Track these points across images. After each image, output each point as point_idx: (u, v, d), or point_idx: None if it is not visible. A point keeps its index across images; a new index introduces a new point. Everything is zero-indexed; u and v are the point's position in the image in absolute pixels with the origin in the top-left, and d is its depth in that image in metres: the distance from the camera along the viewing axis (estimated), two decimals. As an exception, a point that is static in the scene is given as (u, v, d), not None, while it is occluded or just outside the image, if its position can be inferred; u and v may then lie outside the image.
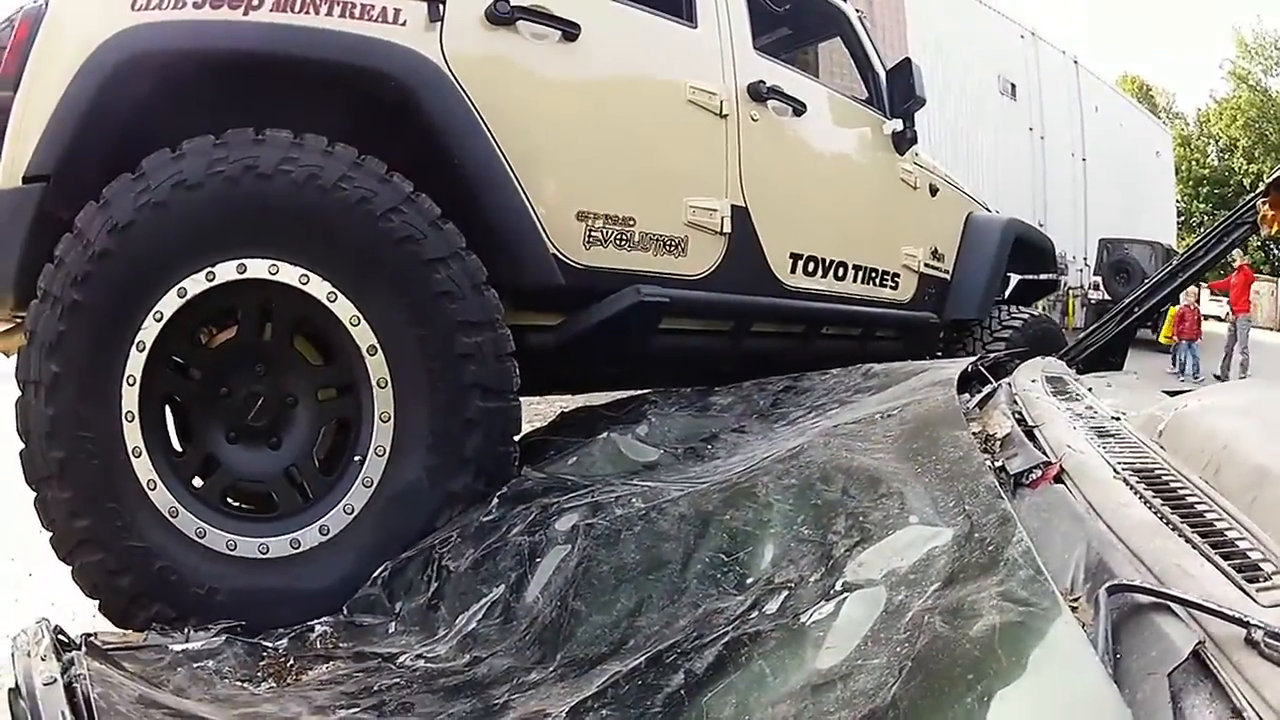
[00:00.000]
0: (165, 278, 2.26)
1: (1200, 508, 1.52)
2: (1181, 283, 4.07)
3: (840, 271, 4.03)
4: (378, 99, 2.58)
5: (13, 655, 1.49)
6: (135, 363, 2.26)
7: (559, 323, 3.04)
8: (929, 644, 1.23)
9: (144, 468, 2.26)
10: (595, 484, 2.38)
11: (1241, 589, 1.20)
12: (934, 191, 4.81)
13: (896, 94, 4.39)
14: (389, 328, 2.38)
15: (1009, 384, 2.62)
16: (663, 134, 3.28)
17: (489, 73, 2.75)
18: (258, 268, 2.31)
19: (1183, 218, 35.82)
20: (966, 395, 2.53)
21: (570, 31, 2.93)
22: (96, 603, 2.27)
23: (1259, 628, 1.04)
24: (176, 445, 2.56)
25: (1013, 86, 19.52)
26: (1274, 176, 3.57)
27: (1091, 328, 4.27)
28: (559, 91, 2.98)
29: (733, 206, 3.41)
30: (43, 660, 1.44)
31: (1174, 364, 15.11)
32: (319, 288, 2.35)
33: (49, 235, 2.28)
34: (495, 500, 2.40)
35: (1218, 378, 13.85)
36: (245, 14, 2.45)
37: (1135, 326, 4.10)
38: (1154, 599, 1.17)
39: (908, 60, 4.46)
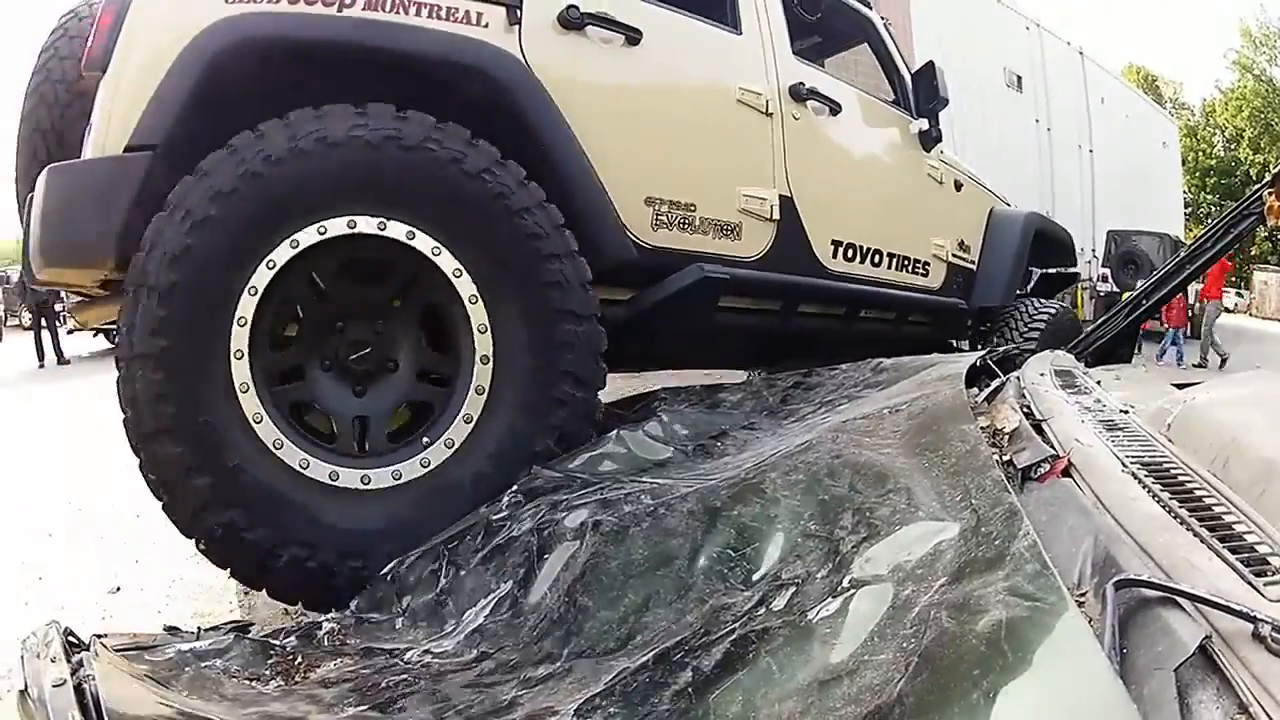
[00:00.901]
0: (288, 223, 2.44)
1: (1209, 502, 1.52)
2: (1190, 274, 4.06)
3: (876, 258, 4.34)
4: (466, 91, 2.79)
5: (22, 657, 1.49)
6: (268, 273, 2.42)
7: (630, 298, 3.31)
8: (935, 639, 1.23)
9: (241, 370, 2.37)
10: (605, 481, 2.38)
11: (1249, 583, 1.20)
12: (959, 187, 5.15)
13: (921, 95, 4.73)
14: (501, 315, 2.59)
15: (1017, 378, 2.62)
16: (716, 129, 3.57)
17: (563, 72, 2.99)
18: (367, 224, 2.49)
19: (1190, 209, 35.69)
20: (975, 389, 2.52)
21: (633, 36, 3.22)
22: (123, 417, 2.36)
23: (1266, 622, 1.04)
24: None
25: (1019, 79, 19.43)
26: None
27: (1100, 320, 4.27)
28: (624, 89, 3.25)
29: (780, 196, 3.72)
30: (52, 662, 1.44)
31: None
32: (448, 262, 2.55)
33: (150, 201, 2.43)
34: (505, 498, 2.40)
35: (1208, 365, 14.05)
36: (339, 10, 2.67)
37: (1144, 319, 4.10)
38: (1161, 593, 1.17)
39: (931, 64, 4.74)
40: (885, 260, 4.40)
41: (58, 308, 15.76)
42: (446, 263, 2.54)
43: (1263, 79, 38.52)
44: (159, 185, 2.43)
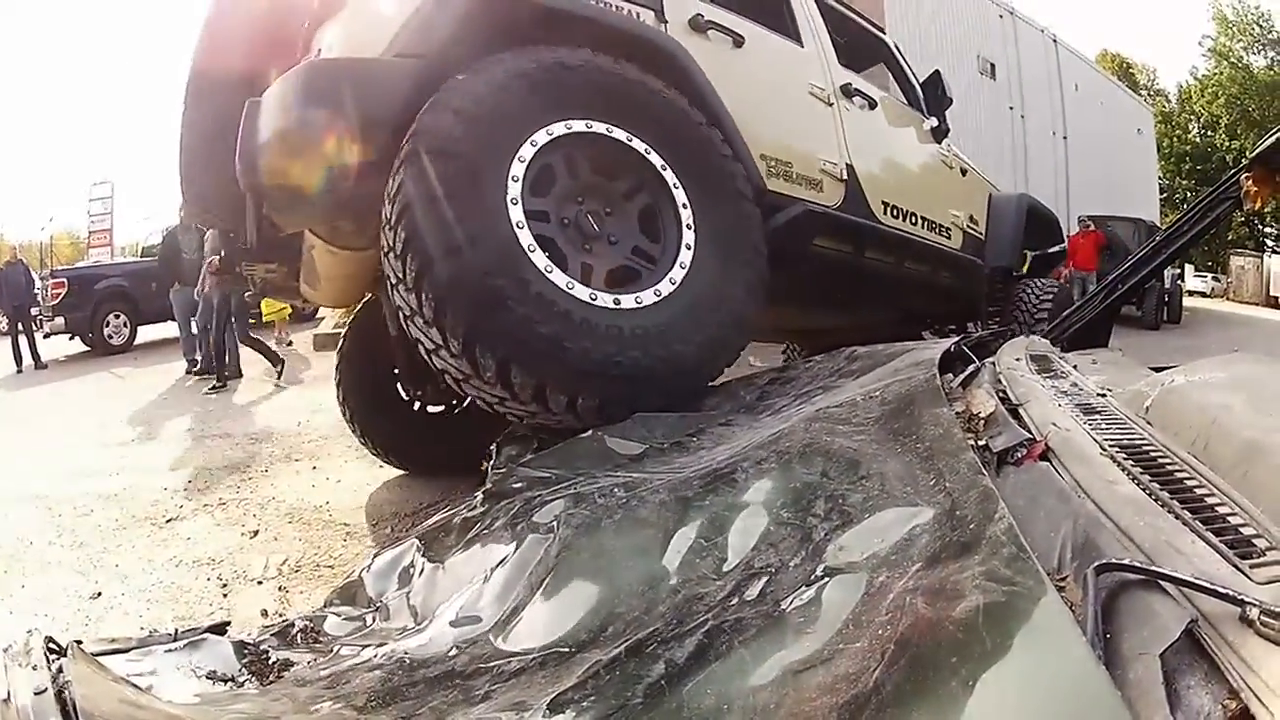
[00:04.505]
0: (562, 111, 3.14)
1: (1190, 484, 1.50)
2: (1167, 258, 4.08)
3: (913, 219, 5.51)
4: (643, 56, 3.53)
5: (4, 666, 1.47)
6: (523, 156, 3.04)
7: None
8: (911, 626, 1.21)
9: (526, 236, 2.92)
10: (579, 477, 2.36)
11: (1235, 565, 1.18)
12: (964, 173, 6.55)
13: (930, 98, 6.17)
14: (702, 215, 3.38)
15: (993, 363, 2.61)
16: (798, 110, 4.68)
17: (695, 58, 3.78)
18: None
19: (1165, 194, 35.93)
20: (950, 375, 2.51)
21: (739, 40, 4.26)
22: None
23: (1254, 605, 1.02)
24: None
25: (992, 66, 19.54)
26: (1256, 152, 3.57)
27: (1076, 305, 4.30)
28: (736, 75, 4.11)
29: (845, 163, 4.80)
30: (34, 670, 1.42)
31: None
32: (671, 176, 3.35)
33: (414, 102, 3.00)
34: (479, 495, 2.41)
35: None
36: None
37: (1120, 304, 4.12)
38: (1144, 577, 1.15)
39: (938, 72, 6.21)
40: (920, 221, 5.58)
41: (34, 312, 15.67)
42: (670, 176, 3.34)
43: (1239, 66, 38.75)
44: (421, 89, 3.02)
